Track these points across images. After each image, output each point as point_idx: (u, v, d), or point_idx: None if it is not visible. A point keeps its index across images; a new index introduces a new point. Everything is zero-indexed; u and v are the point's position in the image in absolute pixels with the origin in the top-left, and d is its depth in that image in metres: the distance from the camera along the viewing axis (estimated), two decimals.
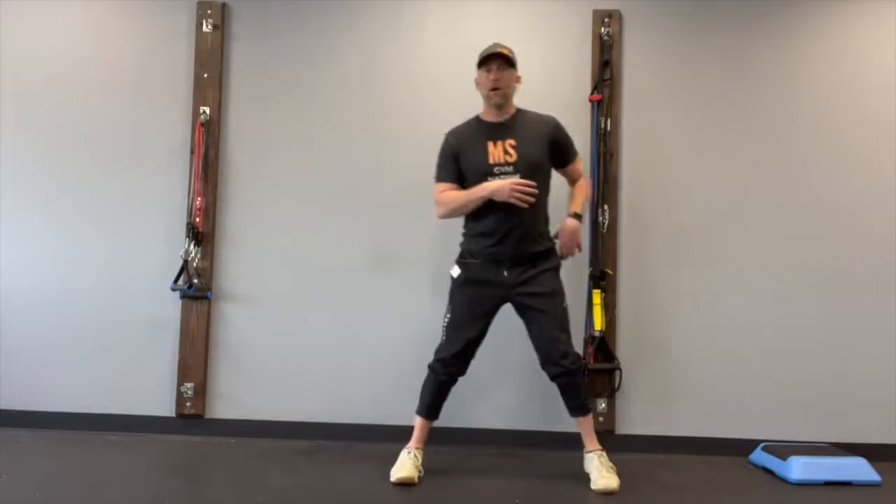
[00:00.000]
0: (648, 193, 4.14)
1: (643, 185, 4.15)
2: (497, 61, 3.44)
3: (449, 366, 3.46)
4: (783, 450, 3.67)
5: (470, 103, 4.20)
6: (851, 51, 4.18)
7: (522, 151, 3.42)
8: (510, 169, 3.40)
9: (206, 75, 4.25)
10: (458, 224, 3.93)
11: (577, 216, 3.58)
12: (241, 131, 4.28)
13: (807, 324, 4.08)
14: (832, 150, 4.15)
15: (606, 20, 4.17)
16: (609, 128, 4.13)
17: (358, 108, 4.26)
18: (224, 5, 4.30)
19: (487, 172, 3.42)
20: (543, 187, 3.47)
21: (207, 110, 4.22)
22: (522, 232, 3.41)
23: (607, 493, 3.26)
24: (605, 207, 4.12)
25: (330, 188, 4.23)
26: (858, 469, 3.56)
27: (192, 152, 4.21)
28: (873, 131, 4.14)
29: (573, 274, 3.94)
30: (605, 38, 4.16)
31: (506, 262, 3.42)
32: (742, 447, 3.93)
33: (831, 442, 3.91)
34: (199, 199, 4.18)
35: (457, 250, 4.10)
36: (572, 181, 3.66)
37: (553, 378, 3.41)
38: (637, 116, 4.18)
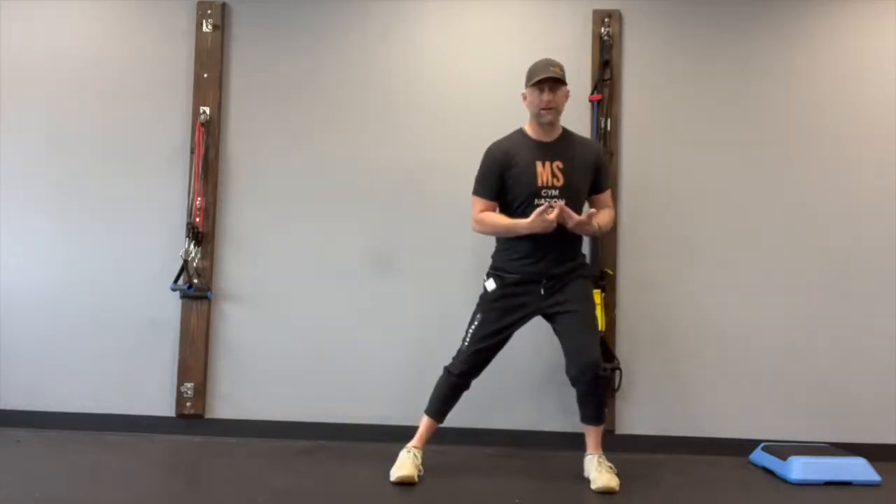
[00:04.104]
0: (648, 193, 4.14)
1: (643, 184, 4.14)
2: (550, 82, 3.42)
3: (465, 369, 3.47)
4: (783, 450, 3.67)
5: (469, 103, 4.22)
6: (851, 51, 4.18)
7: (569, 176, 3.45)
8: (556, 192, 3.42)
9: (206, 75, 4.25)
10: (459, 224, 3.93)
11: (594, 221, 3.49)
12: (241, 131, 4.28)
13: (807, 324, 4.08)
14: (833, 149, 4.15)
15: (606, 20, 4.17)
16: (609, 128, 4.13)
17: (358, 108, 4.26)
18: (224, 5, 4.29)
19: (535, 194, 3.43)
20: (578, 210, 3.49)
21: (207, 110, 4.22)
22: (558, 253, 3.45)
23: (607, 493, 3.26)
24: None
25: (330, 188, 4.23)
26: (858, 469, 3.56)
27: (192, 152, 4.21)
28: (874, 131, 4.14)
29: None
30: (605, 38, 4.15)
31: (542, 280, 3.45)
32: (742, 447, 3.93)
33: (831, 442, 3.91)
34: (199, 199, 4.18)
35: (457, 250, 4.11)
36: (598, 209, 3.62)
37: (575, 384, 3.40)
38: (637, 116, 4.18)
